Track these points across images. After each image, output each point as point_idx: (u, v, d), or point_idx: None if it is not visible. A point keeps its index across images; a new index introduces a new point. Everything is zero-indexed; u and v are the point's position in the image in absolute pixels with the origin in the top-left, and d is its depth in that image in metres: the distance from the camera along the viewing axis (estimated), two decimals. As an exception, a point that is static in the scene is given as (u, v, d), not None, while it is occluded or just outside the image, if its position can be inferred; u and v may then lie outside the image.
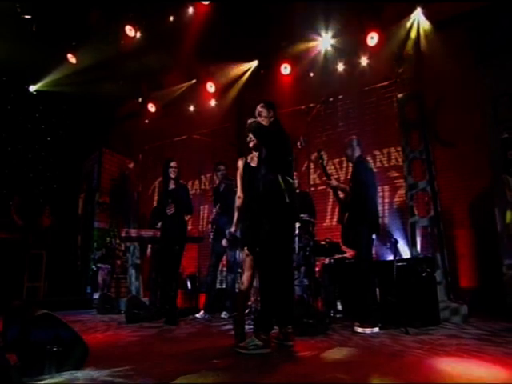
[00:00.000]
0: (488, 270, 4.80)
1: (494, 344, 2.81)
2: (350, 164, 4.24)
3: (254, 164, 3.30)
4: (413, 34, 5.50)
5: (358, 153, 3.96)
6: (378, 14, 5.71)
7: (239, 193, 3.33)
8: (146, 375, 2.03)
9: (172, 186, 4.57)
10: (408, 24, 5.55)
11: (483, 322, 3.86)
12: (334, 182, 4.22)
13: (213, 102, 7.45)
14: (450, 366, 2.19)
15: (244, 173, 3.33)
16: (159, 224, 4.89)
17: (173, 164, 4.56)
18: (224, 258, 5.29)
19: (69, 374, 2.06)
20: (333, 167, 6.50)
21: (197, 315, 4.89)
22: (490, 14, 4.97)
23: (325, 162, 4.26)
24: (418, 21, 5.47)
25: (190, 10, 6.14)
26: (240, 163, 3.38)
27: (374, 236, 3.83)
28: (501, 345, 2.77)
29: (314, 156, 5.58)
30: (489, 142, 4.72)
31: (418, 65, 5.35)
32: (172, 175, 4.55)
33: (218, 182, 5.49)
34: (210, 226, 5.33)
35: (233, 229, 3.43)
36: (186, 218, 4.73)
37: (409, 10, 5.51)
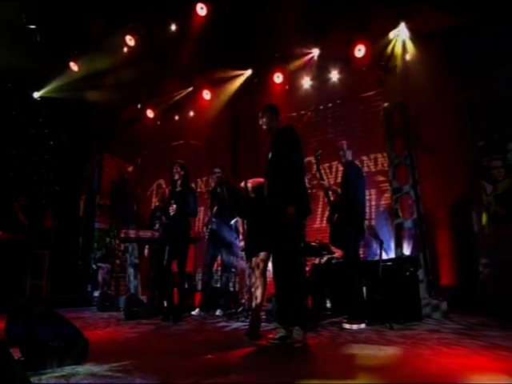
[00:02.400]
0: (466, 268, 4.87)
1: (470, 337, 2.88)
2: (340, 168, 4.28)
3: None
4: (397, 47, 5.60)
5: (349, 156, 4.01)
6: (365, 28, 5.80)
7: None
8: (144, 370, 2.03)
9: (179, 187, 4.54)
10: (393, 38, 5.65)
11: (461, 317, 3.93)
12: (326, 184, 4.25)
13: (209, 109, 7.47)
14: (429, 358, 2.24)
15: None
16: (157, 225, 4.89)
17: (175, 167, 4.52)
18: (219, 257, 5.30)
19: (70, 368, 2.06)
20: (323, 171, 6.53)
21: (192, 312, 4.89)
22: (465, 32, 5.08)
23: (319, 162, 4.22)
24: (402, 35, 5.56)
25: (188, 20, 6.18)
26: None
27: (360, 238, 3.88)
28: (476, 338, 2.85)
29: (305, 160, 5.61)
30: (466, 149, 4.82)
31: (402, 76, 5.44)
32: (175, 177, 4.51)
33: (213, 184, 5.50)
34: (205, 227, 5.34)
35: (242, 243, 3.45)
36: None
37: (393, 25, 5.60)
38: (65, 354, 2.10)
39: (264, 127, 3.19)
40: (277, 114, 3.20)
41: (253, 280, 3.24)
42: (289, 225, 2.74)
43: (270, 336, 2.75)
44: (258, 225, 3.21)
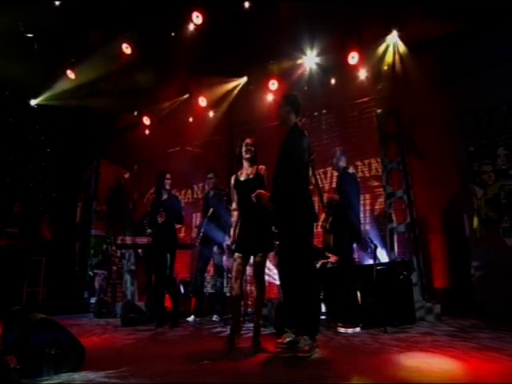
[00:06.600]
0: (458, 271, 4.90)
1: (462, 339, 2.91)
2: (335, 173, 4.31)
3: (242, 178, 3.25)
4: (389, 55, 5.66)
5: (343, 163, 4.05)
6: (358, 36, 5.88)
7: (234, 206, 3.28)
8: (140, 376, 2.04)
9: (165, 196, 4.59)
10: (385, 45, 5.72)
11: (454, 320, 3.96)
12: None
13: (205, 116, 7.51)
14: (421, 361, 2.26)
15: (235, 187, 3.27)
16: (148, 230, 4.90)
17: (168, 176, 4.62)
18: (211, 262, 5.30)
19: (66, 375, 2.06)
20: (317, 177, 6.57)
21: (188, 318, 4.88)
22: (456, 41, 5.17)
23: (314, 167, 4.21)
24: (394, 43, 5.64)
25: (184, 29, 6.23)
26: (232, 179, 3.34)
27: (354, 243, 3.90)
28: (468, 340, 2.89)
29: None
30: (457, 155, 4.88)
31: (394, 83, 5.51)
32: (167, 186, 4.60)
33: (207, 189, 5.51)
34: (197, 230, 5.34)
35: (229, 241, 3.35)
36: (177, 227, 4.76)
37: (386, 33, 5.68)
38: (61, 360, 2.10)
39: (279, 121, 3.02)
40: (294, 105, 2.98)
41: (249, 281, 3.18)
42: (299, 230, 2.69)
43: (279, 340, 2.74)
44: (257, 225, 3.09)
